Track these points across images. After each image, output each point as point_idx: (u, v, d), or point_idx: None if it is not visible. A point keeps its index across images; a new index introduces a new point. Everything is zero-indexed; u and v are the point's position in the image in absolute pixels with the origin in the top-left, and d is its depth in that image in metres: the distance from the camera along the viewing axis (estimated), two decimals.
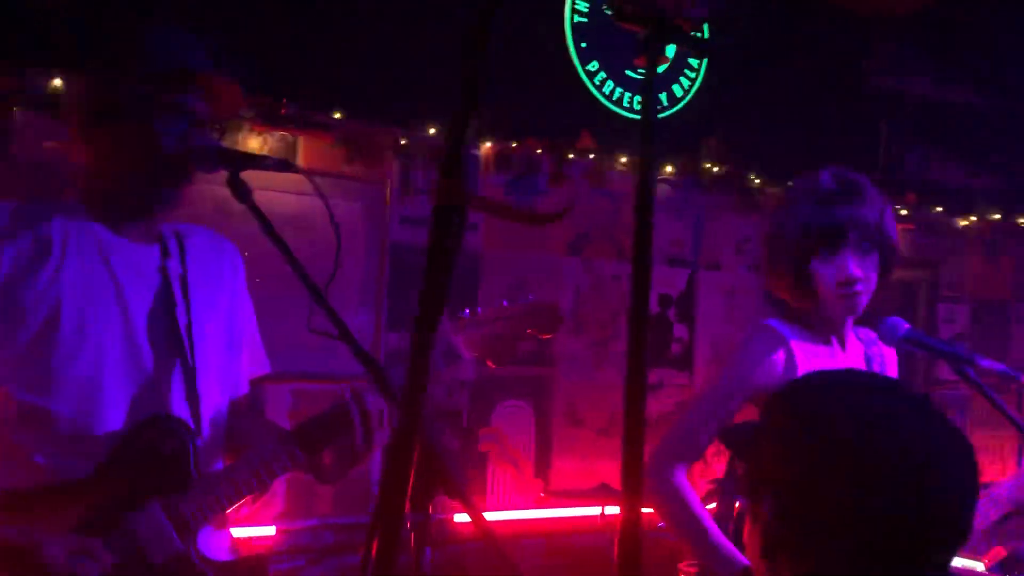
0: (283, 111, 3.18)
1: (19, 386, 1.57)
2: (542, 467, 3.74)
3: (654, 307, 4.05)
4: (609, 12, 0.70)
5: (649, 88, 0.73)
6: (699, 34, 0.75)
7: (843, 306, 1.83)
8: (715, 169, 4.15)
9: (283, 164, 1.64)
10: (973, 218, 4.92)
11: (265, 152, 3.23)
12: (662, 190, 4.07)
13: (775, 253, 1.86)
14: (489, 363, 1.82)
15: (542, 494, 3.60)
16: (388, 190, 3.49)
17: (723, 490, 2.17)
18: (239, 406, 1.88)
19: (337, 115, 3.32)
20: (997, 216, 4.99)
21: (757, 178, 4.27)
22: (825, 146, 4.47)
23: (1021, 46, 5.16)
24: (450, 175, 0.65)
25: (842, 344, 1.91)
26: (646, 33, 0.73)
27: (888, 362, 1.97)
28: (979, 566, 2.35)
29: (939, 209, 4.79)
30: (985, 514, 1.79)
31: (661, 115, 4.06)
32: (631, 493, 1.12)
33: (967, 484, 0.97)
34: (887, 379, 1.09)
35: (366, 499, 3.41)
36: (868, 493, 0.93)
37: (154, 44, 1.66)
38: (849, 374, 1.10)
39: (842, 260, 1.79)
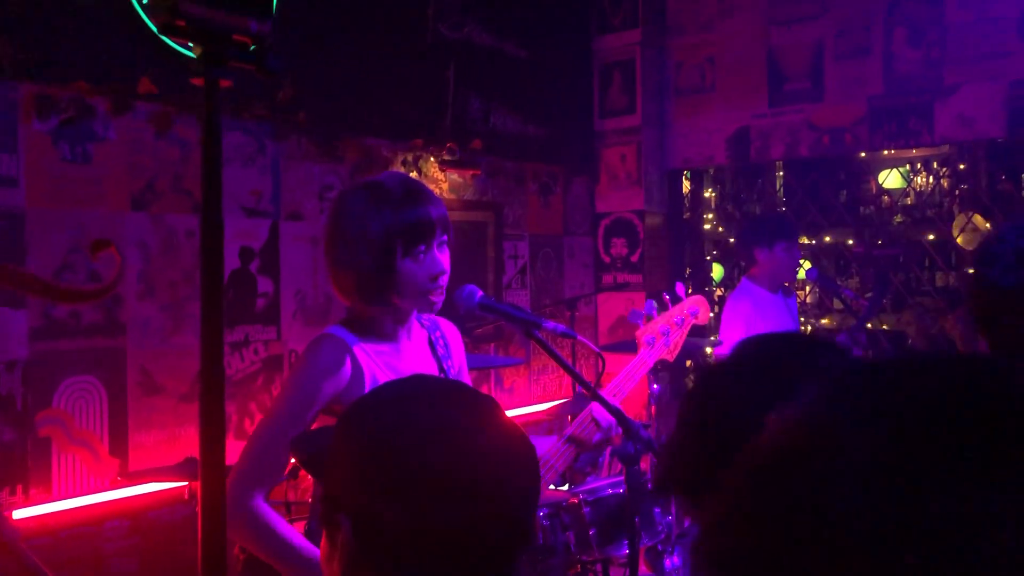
0: None
1: None
2: (119, 444, 3.43)
3: (235, 262, 3.87)
4: (155, 28, 0.59)
5: (211, 117, 0.65)
6: (260, 49, 0.67)
7: (430, 300, 1.88)
8: (291, 116, 4.03)
9: None
10: (528, 163, 5.39)
11: None
12: (236, 138, 3.86)
13: (354, 259, 1.84)
14: None
15: (119, 478, 3.31)
16: None
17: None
18: None
19: None
20: (548, 161, 5.52)
21: (334, 125, 4.24)
22: (397, 94, 4.57)
23: (556, 3, 5.69)
24: None
25: (408, 335, 1.97)
26: (202, 52, 0.64)
27: (451, 342, 2.07)
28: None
29: (501, 155, 5.16)
30: (565, 455, 1.99)
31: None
32: (211, 462, 1.03)
33: (528, 489, 1.00)
34: (451, 386, 1.09)
35: None
36: (432, 515, 0.93)
37: None
38: (416, 385, 1.08)
39: (431, 256, 1.85)
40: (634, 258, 5.82)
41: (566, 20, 5.75)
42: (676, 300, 2.20)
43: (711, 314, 5.87)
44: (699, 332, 5.75)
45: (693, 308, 2.21)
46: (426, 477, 0.93)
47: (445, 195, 4.83)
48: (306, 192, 4.16)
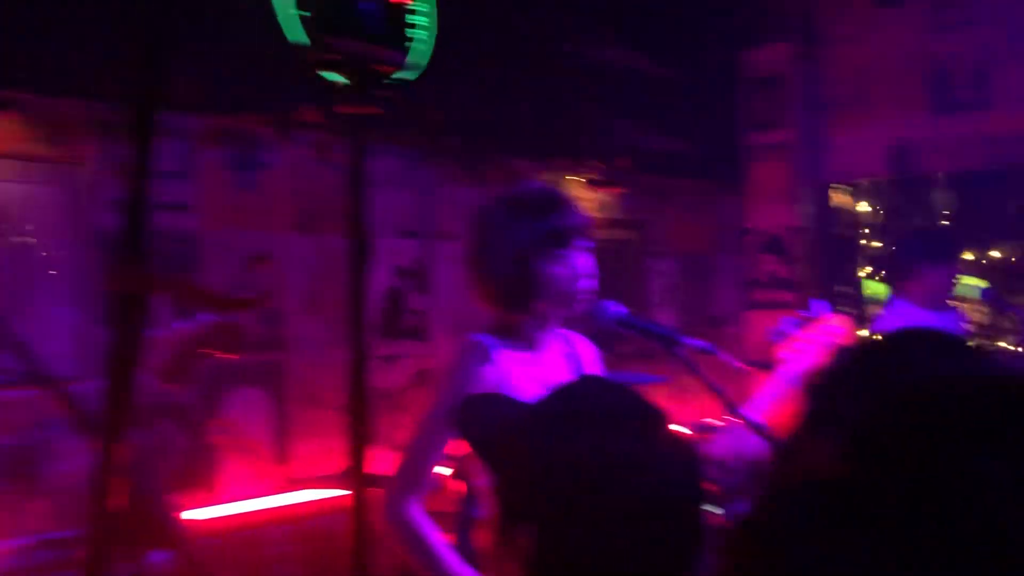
0: None
1: None
2: (282, 453, 3.63)
3: (388, 280, 4.03)
4: (307, 63, 0.65)
5: (357, 135, 0.71)
6: (400, 77, 0.73)
7: (574, 304, 1.91)
8: (440, 141, 4.18)
9: None
10: (673, 180, 5.35)
11: None
12: (389, 163, 4.04)
13: (495, 264, 1.89)
14: (166, 385, 1.76)
15: (283, 483, 3.50)
16: (88, 172, 3.19)
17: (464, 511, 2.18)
18: None
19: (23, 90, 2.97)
20: (694, 178, 5.46)
21: (481, 148, 4.36)
22: (541, 115, 4.65)
23: (699, 19, 5.63)
24: (129, 260, 0.58)
25: (550, 345, 1.99)
26: (348, 83, 0.70)
27: (585, 358, 2.09)
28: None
29: (645, 173, 5.15)
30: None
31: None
32: (358, 470, 1.10)
33: (701, 508, 1.01)
34: (626, 399, 1.08)
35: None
36: (613, 535, 0.95)
37: None
38: (592, 396, 1.08)
39: (571, 258, 1.89)
40: (785, 275, 5.66)
41: (711, 35, 5.68)
42: (816, 318, 2.14)
43: (862, 333, 5.62)
44: None
45: (833, 327, 2.14)
46: (609, 498, 0.96)
47: (590, 214, 4.86)
48: (456, 213, 4.29)
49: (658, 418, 1.03)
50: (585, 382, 1.14)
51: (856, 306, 5.94)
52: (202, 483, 3.42)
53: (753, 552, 0.44)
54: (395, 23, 0.61)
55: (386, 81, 0.67)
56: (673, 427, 1.06)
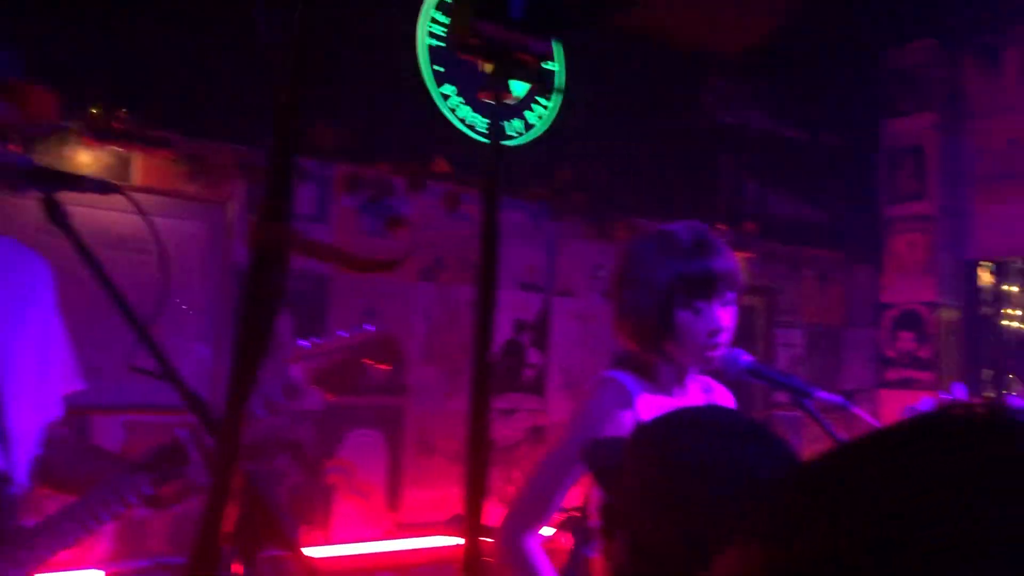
0: (116, 124, 2.99)
1: None
2: (394, 498, 3.64)
3: (508, 332, 4.04)
4: (447, 45, 0.66)
5: (496, 121, 0.70)
6: (544, 69, 0.72)
7: (706, 357, 1.84)
8: (568, 197, 4.20)
9: (103, 186, 1.50)
10: (805, 248, 5.19)
11: (96, 168, 3.02)
12: (516, 216, 4.08)
13: (635, 303, 1.85)
14: (328, 395, 1.76)
15: (396, 527, 3.50)
16: (231, 211, 3.34)
17: (579, 521, 2.15)
18: (56, 432, 1.73)
19: (176, 131, 3.16)
20: (827, 247, 5.29)
21: (607, 206, 4.35)
22: (669, 177, 4.62)
23: (843, 86, 5.51)
24: (271, 217, 0.58)
25: (685, 392, 1.92)
26: (491, 68, 0.70)
27: (722, 404, 2.00)
28: None
29: (775, 239, 5.03)
30: None
31: (514, 142, 4.08)
32: (473, 518, 1.07)
33: None
34: (747, 423, 1.07)
35: None
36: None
37: None
38: (712, 415, 1.09)
39: (711, 311, 1.81)
40: (923, 354, 5.36)
41: (853, 104, 5.55)
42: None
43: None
44: None
45: None
46: (708, 509, 0.93)
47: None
48: (578, 270, 4.28)
49: (778, 441, 1.00)
50: (707, 407, 1.14)
51: (1001, 394, 5.56)
52: (315, 522, 3.45)
53: None
54: (545, 16, 0.61)
55: (525, 73, 0.66)
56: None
